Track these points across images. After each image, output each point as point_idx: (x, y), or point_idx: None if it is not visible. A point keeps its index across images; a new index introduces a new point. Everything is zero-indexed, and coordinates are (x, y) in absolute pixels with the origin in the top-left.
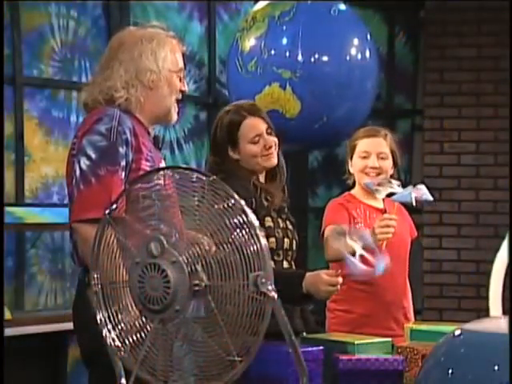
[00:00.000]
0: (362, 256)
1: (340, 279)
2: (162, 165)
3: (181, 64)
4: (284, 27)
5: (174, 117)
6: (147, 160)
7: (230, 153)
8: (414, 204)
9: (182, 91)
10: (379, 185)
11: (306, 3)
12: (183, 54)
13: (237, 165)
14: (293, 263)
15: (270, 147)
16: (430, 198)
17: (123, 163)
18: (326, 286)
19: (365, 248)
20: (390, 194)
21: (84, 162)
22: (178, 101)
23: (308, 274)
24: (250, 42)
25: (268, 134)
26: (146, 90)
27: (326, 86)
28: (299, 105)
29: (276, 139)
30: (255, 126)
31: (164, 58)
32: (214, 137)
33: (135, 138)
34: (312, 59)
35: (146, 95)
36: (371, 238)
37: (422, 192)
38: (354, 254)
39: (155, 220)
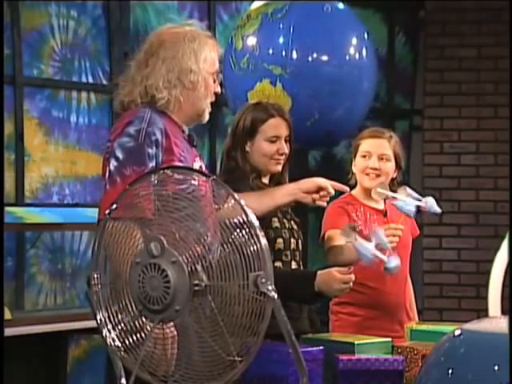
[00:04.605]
0: (374, 256)
1: (353, 276)
2: (196, 163)
3: (217, 65)
4: (276, 24)
5: (207, 117)
6: (180, 161)
7: (245, 144)
8: (412, 217)
9: (215, 93)
10: (382, 187)
11: (300, 1)
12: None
13: (245, 157)
14: (301, 263)
15: (282, 154)
16: (438, 210)
17: (152, 164)
18: (339, 283)
19: (377, 246)
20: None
21: (112, 164)
22: (211, 103)
23: (319, 273)
24: (243, 40)
25: (285, 141)
26: (186, 91)
27: (318, 83)
28: (290, 101)
29: (288, 150)
30: (279, 126)
31: (204, 59)
32: (237, 125)
33: (166, 138)
34: (303, 56)
35: (185, 96)
36: (384, 237)
37: (429, 204)
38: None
39: (190, 221)
